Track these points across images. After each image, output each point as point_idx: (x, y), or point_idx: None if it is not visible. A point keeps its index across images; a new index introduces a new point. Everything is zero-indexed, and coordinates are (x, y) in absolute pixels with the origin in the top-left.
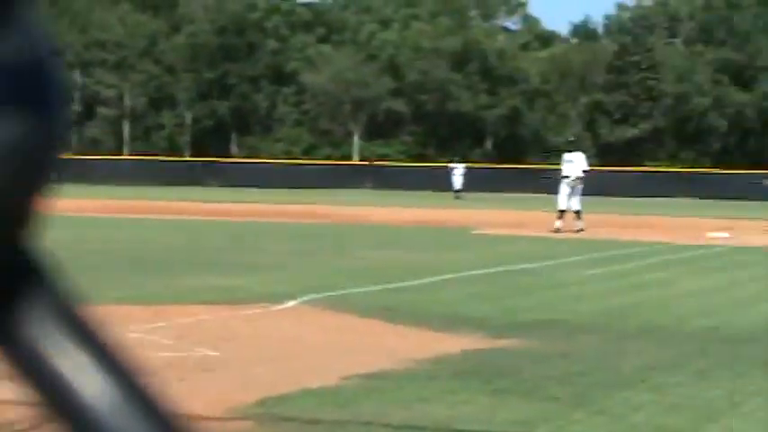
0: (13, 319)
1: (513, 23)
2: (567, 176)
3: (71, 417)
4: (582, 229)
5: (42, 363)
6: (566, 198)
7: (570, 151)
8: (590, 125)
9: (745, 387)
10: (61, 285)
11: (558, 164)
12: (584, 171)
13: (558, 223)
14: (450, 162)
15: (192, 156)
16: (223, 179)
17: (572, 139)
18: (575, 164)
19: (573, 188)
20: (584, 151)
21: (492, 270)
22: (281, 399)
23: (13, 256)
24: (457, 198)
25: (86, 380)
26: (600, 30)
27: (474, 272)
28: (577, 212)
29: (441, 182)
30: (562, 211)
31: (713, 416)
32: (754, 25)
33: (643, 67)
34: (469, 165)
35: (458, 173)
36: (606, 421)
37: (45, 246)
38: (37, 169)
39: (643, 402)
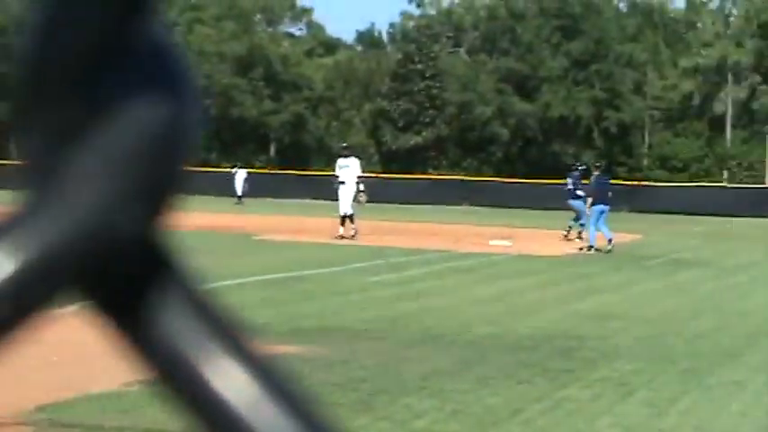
0: (149, 314)
1: (297, 30)
2: (343, 182)
3: (217, 423)
4: (354, 235)
5: (184, 365)
6: (347, 203)
7: (345, 157)
8: (374, 132)
9: (526, 394)
10: (194, 275)
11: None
12: (358, 176)
13: (341, 230)
14: (233, 167)
15: None
16: None
17: (345, 144)
18: (350, 169)
19: (349, 193)
20: (358, 157)
21: (275, 276)
22: (63, 405)
23: (150, 244)
24: (239, 203)
25: (233, 384)
26: (385, 38)
27: (257, 278)
28: (350, 217)
29: (223, 187)
30: (344, 217)
31: (494, 422)
32: (536, 36)
33: (427, 75)
34: (252, 170)
35: (240, 178)
36: (389, 427)
37: (177, 235)
38: (178, 153)
39: (425, 408)
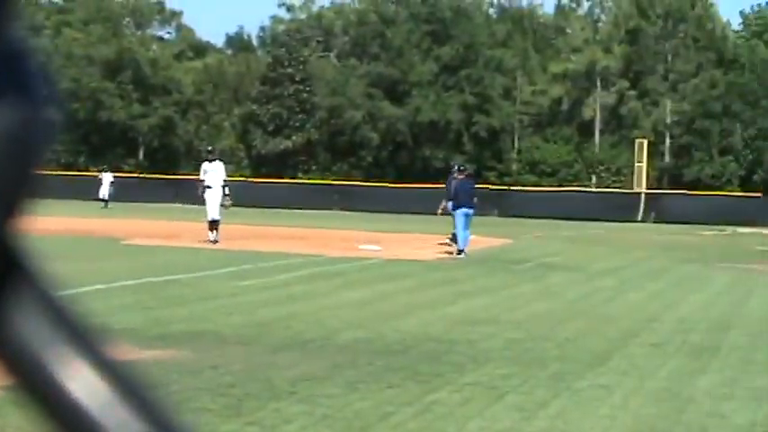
0: (2, 316)
1: (167, 33)
2: (209, 186)
3: (69, 425)
4: (217, 240)
5: (37, 367)
6: (215, 208)
7: (210, 161)
8: (244, 136)
9: (395, 398)
10: (49, 279)
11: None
12: (224, 180)
13: (210, 234)
14: (101, 171)
15: None
16: None
17: (210, 148)
18: (216, 173)
19: (216, 198)
20: (223, 160)
21: (143, 281)
22: None
23: (2, 247)
24: (105, 207)
25: (86, 386)
26: (255, 41)
27: (124, 282)
28: (215, 222)
29: (91, 191)
30: (212, 222)
31: (364, 427)
32: (406, 41)
33: (297, 79)
34: (121, 174)
35: (106, 182)
36: None
37: (31, 237)
38: (30, 156)
39: (294, 413)
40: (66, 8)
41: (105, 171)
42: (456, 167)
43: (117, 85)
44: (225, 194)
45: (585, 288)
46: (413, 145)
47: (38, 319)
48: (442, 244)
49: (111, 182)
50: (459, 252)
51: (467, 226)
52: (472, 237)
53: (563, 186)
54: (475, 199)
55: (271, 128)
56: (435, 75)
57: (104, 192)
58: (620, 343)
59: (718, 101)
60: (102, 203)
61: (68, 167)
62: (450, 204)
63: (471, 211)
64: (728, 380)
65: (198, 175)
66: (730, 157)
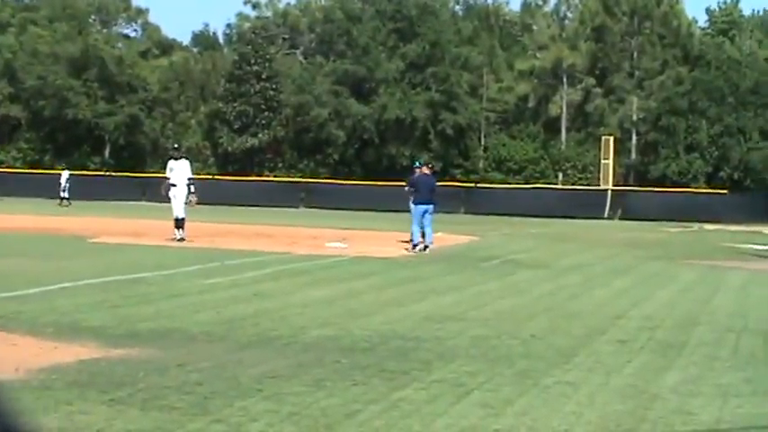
0: None
1: (133, 31)
2: (173, 184)
3: None
4: (183, 239)
5: None
6: (180, 206)
7: (176, 159)
8: (210, 134)
9: (362, 395)
10: None
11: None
12: (189, 178)
13: (177, 233)
14: (64, 170)
15: None
16: None
17: (176, 146)
18: (182, 171)
19: (181, 195)
20: (188, 158)
21: (110, 279)
22: None
23: None
24: (66, 206)
25: None
26: (221, 39)
27: (91, 281)
28: (180, 220)
29: (56, 189)
30: (178, 220)
31: (330, 424)
32: (372, 38)
33: (263, 77)
34: (87, 173)
35: (63, 179)
36: (224, 430)
37: None
38: None
39: (261, 411)
40: (32, 6)
41: (66, 169)
42: (417, 164)
43: (83, 82)
44: (190, 192)
45: (552, 285)
46: (379, 142)
47: None
48: (405, 242)
49: (67, 179)
50: (414, 246)
51: (429, 223)
52: (438, 234)
53: (530, 184)
54: (434, 194)
55: (237, 125)
56: (401, 72)
57: (66, 190)
58: (586, 340)
59: (683, 98)
60: (65, 201)
61: (34, 165)
62: (410, 199)
63: (431, 207)
64: (694, 377)
65: (164, 173)
66: (696, 155)
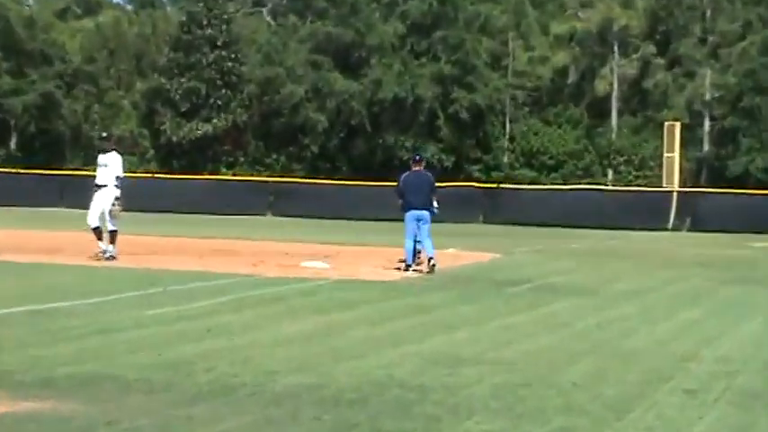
0: None
1: None
2: (101, 185)
3: None
4: (113, 256)
5: None
6: (96, 211)
7: (104, 151)
8: (148, 119)
9: None
10: None
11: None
12: (117, 178)
13: (102, 245)
14: None
15: None
16: None
17: (105, 134)
18: (110, 168)
19: (102, 198)
20: (119, 152)
21: (16, 310)
22: None
23: None
24: None
25: None
26: None
27: None
28: (111, 233)
29: None
30: (96, 230)
31: None
32: None
33: (219, 44)
34: None
35: None
36: None
37: None
38: None
39: None
40: None
41: None
42: (417, 158)
43: None
44: (115, 198)
45: (599, 317)
46: (371, 130)
47: None
48: (402, 260)
49: None
50: (407, 268)
51: (427, 234)
52: (450, 250)
53: (569, 184)
54: (435, 200)
55: (184, 108)
56: (401, 37)
57: None
58: (644, 389)
59: None
60: None
61: None
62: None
63: (427, 215)
64: None
65: (93, 169)
66: None
